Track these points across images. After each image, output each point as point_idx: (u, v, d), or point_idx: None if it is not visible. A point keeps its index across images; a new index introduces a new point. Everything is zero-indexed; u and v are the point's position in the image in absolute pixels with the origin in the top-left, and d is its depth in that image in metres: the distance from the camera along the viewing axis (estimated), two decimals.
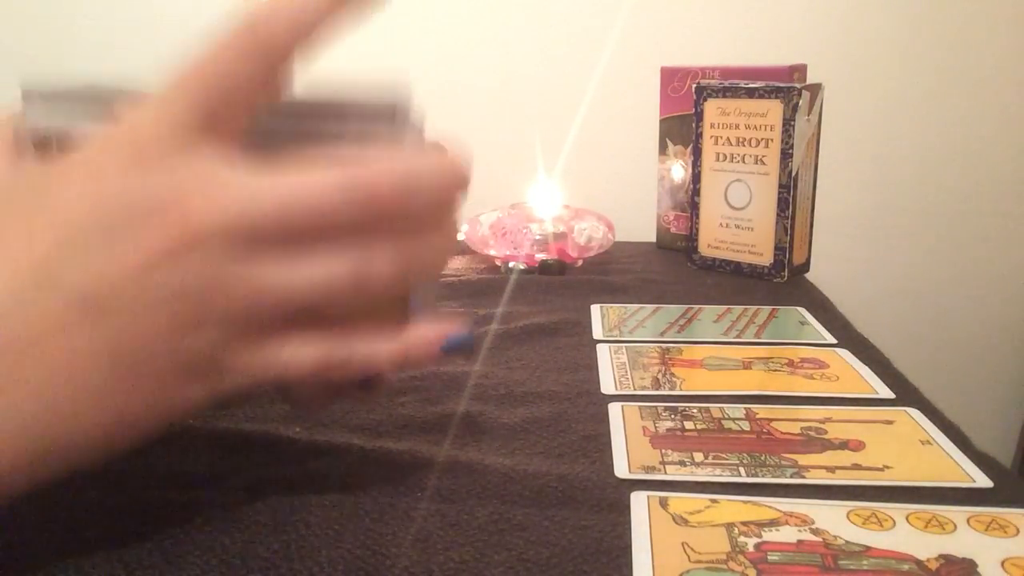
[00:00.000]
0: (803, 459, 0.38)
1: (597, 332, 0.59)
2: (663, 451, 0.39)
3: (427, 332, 0.30)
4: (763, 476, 0.37)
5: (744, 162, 0.72)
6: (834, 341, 0.56)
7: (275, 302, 0.27)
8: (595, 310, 0.64)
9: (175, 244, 0.25)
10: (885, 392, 0.47)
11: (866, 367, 0.50)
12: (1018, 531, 0.32)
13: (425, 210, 0.28)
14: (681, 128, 0.82)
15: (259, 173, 0.26)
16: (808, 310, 0.63)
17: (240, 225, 0.25)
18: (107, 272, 0.25)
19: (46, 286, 0.25)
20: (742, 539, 0.31)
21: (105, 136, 0.26)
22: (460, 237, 0.30)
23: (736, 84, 0.72)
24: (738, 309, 0.63)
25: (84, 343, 0.25)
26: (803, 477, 0.37)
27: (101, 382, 0.26)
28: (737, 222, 0.73)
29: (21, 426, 0.25)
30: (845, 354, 0.53)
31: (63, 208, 0.25)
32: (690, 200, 0.77)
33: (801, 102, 0.68)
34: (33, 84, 0.30)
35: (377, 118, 0.29)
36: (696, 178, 0.76)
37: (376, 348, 0.29)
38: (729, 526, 0.32)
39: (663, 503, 0.34)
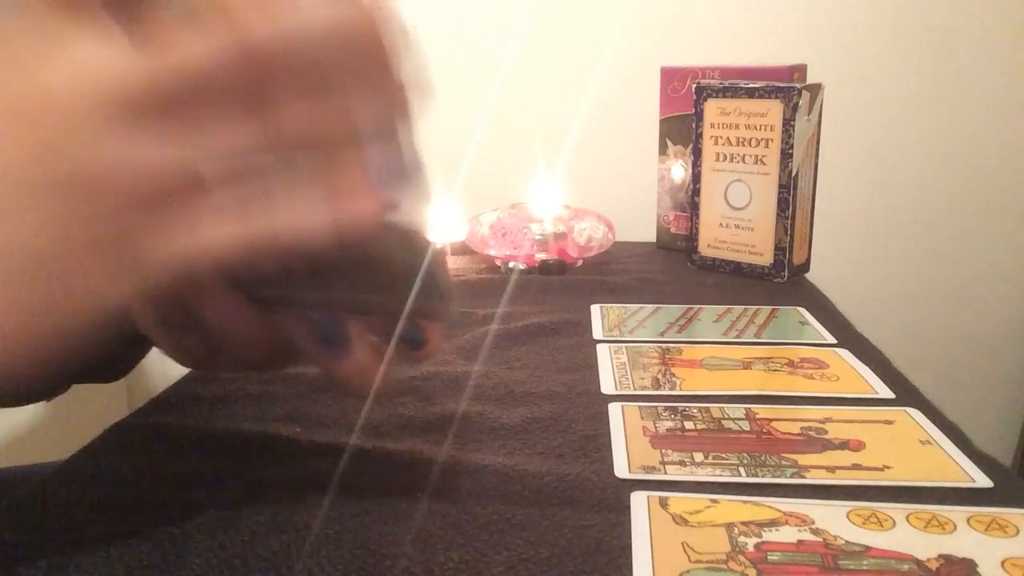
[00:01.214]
0: (803, 459, 0.38)
1: (597, 332, 0.59)
2: (663, 451, 0.39)
3: (364, 202, 0.26)
4: (763, 476, 0.37)
5: (744, 162, 0.72)
6: (834, 341, 0.56)
7: (173, 177, 0.24)
8: (595, 310, 0.64)
9: (49, 132, 0.23)
10: (885, 392, 0.47)
11: (866, 367, 0.50)
12: (1018, 531, 0.32)
13: (323, 55, 0.24)
14: (681, 128, 0.82)
15: (134, 49, 0.24)
16: (808, 310, 0.63)
17: (113, 101, 0.23)
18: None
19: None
20: (742, 539, 0.31)
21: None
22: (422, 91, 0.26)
23: (736, 84, 0.72)
24: (738, 309, 0.63)
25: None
26: (803, 477, 0.37)
27: (12, 287, 0.24)
28: (737, 222, 0.73)
29: None
30: (845, 354, 0.53)
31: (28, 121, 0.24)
32: (690, 200, 0.77)
33: (801, 102, 0.68)
34: None
35: None
36: (696, 178, 0.76)
37: (305, 213, 0.25)
38: (729, 526, 0.32)
39: (663, 503, 0.34)
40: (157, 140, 0.24)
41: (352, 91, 0.25)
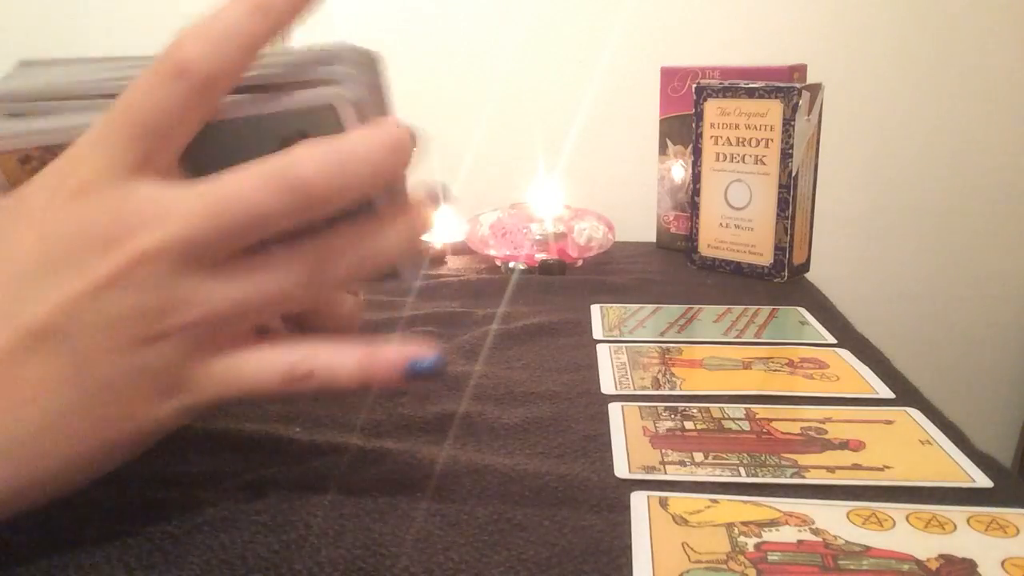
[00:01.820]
0: (803, 459, 0.38)
1: (597, 332, 0.59)
2: (663, 451, 0.39)
3: (391, 355, 0.29)
4: (763, 476, 0.37)
5: (744, 162, 0.72)
6: (834, 341, 0.56)
7: (229, 314, 0.27)
8: (595, 310, 0.64)
9: (120, 268, 0.26)
10: (885, 392, 0.47)
11: (866, 367, 0.50)
12: (1018, 531, 0.32)
13: (365, 192, 0.28)
14: (681, 128, 0.82)
15: (191, 187, 0.27)
16: (808, 310, 0.63)
17: (181, 239, 0.26)
18: (56, 301, 0.26)
19: None
20: (742, 539, 0.31)
21: (44, 176, 0.27)
22: (434, 209, 0.31)
23: (736, 84, 0.72)
24: (738, 309, 0.63)
25: (42, 371, 0.26)
26: (803, 477, 0.37)
27: (65, 407, 0.26)
28: (737, 222, 0.73)
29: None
30: (845, 354, 0.53)
31: (11, 251, 0.26)
32: (690, 200, 0.77)
33: (801, 102, 0.68)
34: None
35: (318, 120, 0.28)
36: (696, 178, 0.76)
37: (339, 364, 0.29)
38: (729, 526, 0.32)
39: (663, 503, 0.34)
40: (221, 277, 0.27)
41: (386, 210, 0.29)
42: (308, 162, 0.26)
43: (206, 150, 0.28)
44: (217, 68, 0.26)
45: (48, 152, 0.30)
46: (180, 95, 0.26)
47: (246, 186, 0.26)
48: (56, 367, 0.26)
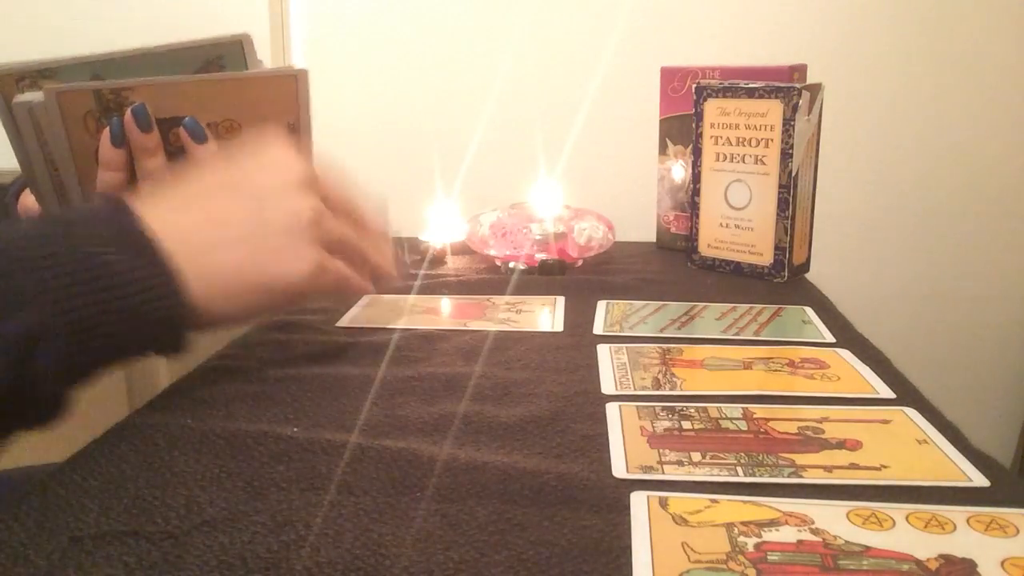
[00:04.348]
0: (800, 459, 0.38)
1: (599, 327, 0.59)
2: (661, 451, 0.39)
3: (385, 265, 0.52)
4: (760, 476, 0.37)
5: (744, 162, 0.72)
6: (834, 341, 0.56)
7: (331, 231, 0.47)
8: (600, 305, 0.64)
9: (301, 204, 0.46)
10: (885, 392, 0.47)
11: (866, 367, 0.50)
12: (1018, 531, 0.32)
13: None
14: (681, 128, 0.82)
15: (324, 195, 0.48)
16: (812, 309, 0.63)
17: (321, 204, 0.47)
18: (270, 206, 0.45)
19: (243, 206, 0.45)
20: (742, 539, 0.31)
21: (267, 162, 0.47)
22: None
23: (736, 84, 0.72)
24: (742, 307, 0.63)
25: (241, 207, 0.45)
26: (800, 477, 0.37)
27: (248, 231, 0.44)
28: (737, 222, 0.73)
29: (227, 274, 0.43)
30: (845, 354, 0.53)
31: (255, 185, 0.46)
32: (690, 200, 0.77)
33: (801, 102, 0.68)
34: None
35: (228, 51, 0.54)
36: (696, 178, 0.76)
37: (364, 278, 0.51)
38: (729, 526, 0.32)
39: (663, 503, 0.34)
40: (332, 218, 0.48)
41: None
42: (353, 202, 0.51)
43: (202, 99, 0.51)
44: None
45: (113, 92, 0.50)
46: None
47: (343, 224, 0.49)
48: (251, 208, 0.44)
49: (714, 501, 0.34)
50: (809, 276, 0.74)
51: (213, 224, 0.44)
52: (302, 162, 0.47)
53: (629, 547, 0.31)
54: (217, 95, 0.52)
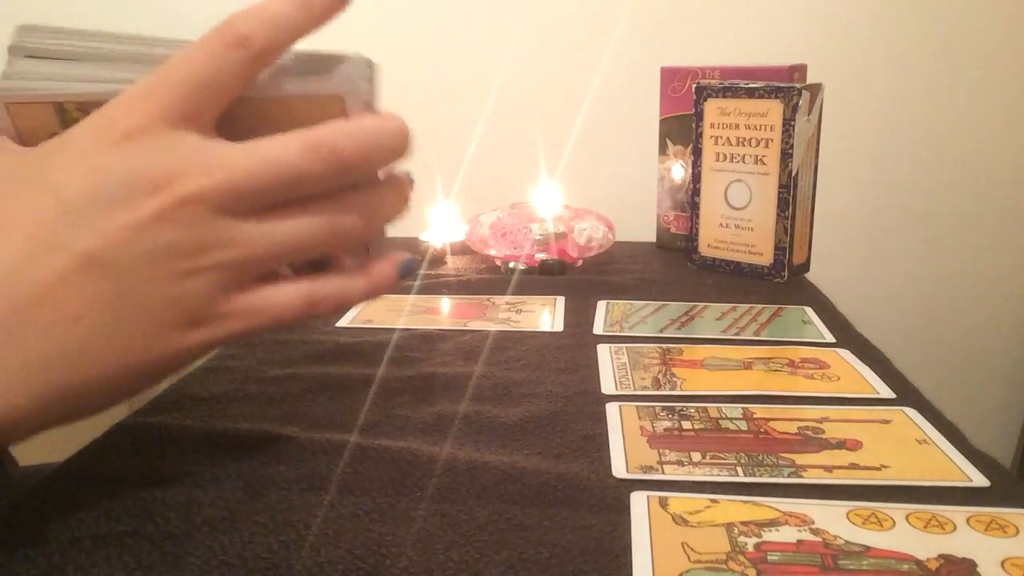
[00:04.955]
0: (800, 459, 0.38)
1: (599, 327, 0.59)
2: (661, 451, 0.39)
3: (385, 265, 0.36)
4: (760, 476, 0.37)
5: (744, 162, 0.72)
6: (834, 341, 0.56)
7: (261, 254, 0.31)
8: (600, 305, 0.64)
9: (166, 208, 0.29)
10: (886, 392, 0.47)
11: (866, 367, 0.50)
12: (1018, 531, 0.32)
13: (379, 166, 0.33)
14: (681, 128, 0.82)
15: (236, 145, 0.30)
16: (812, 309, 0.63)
17: (223, 188, 0.29)
18: (106, 232, 0.28)
19: (52, 248, 0.28)
20: (742, 539, 0.31)
21: (93, 119, 0.30)
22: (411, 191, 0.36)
23: (736, 84, 0.72)
24: (743, 307, 0.63)
25: (89, 294, 0.29)
26: (800, 477, 0.37)
27: (106, 328, 0.29)
28: (737, 222, 0.73)
29: (34, 372, 0.28)
30: (846, 354, 0.53)
31: (63, 184, 0.29)
32: (690, 200, 0.77)
33: (801, 102, 0.68)
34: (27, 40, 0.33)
35: (326, 107, 0.33)
36: (696, 178, 0.76)
37: (349, 285, 0.35)
38: (729, 526, 0.32)
39: (663, 503, 0.34)
40: (255, 222, 0.30)
41: (384, 185, 0.34)
42: (343, 136, 0.31)
43: (231, 119, 0.32)
44: (268, 45, 0.30)
45: (81, 108, 0.33)
46: (237, 62, 0.30)
47: (289, 149, 0.30)
48: (102, 291, 0.29)
49: (714, 501, 0.34)
50: (809, 276, 0.74)
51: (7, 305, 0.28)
52: (222, 160, 0.29)
53: (629, 547, 0.31)
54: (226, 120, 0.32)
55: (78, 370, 0.29)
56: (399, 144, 0.32)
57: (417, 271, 0.36)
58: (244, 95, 0.32)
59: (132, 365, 0.30)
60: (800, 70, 0.77)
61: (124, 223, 0.29)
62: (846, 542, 0.31)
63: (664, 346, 0.55)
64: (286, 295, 0.33)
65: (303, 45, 0.32)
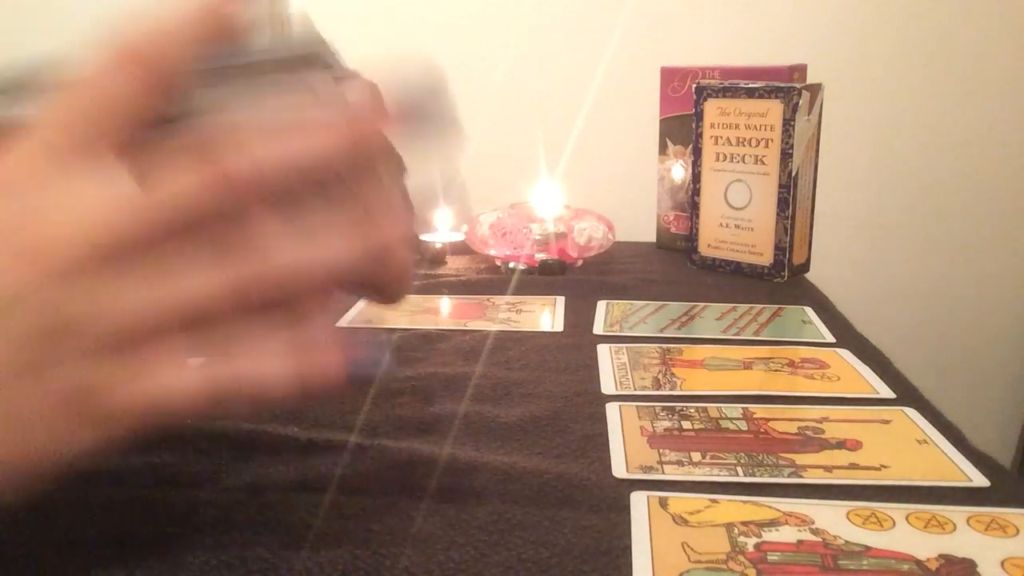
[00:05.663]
0: (800, 459, 0.38)
1: (599, 327, 0.59)
2: (661, 451, 0.39)
3: (328, 357, 0.26)
4: (760, 476, 0.37)
5: (744, 162, 0.72)
6: (834, 341, 0.56)
7: (146, 322, 0.24)
8: (600, 305, 0.64)
9: (24, 278, 0.23)
10: (886, 392, 0.47)
11: (866, 367, 0.50)
12: (1018, 531, 0.32)
13: (317, 177, 0.25)
14: (681, 128, 0.82)
15: (121, 182, 0.24)
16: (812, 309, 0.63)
17: (108, 245, 0.24)
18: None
19: None
20: (742, 539, 0.31)
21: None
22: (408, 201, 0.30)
23: (736, 84, 0.72)
24: (743, 307, 0.63)
25: None
26: (800, 477, 0.37)
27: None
28: (737, 222, 0.73)
29: None
30: (846, 354, 0.53)
31: None
32: (690, 200, 0.77)
33: (801, 102, 0.68)
34: None
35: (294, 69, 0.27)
36: (696, 178, 0.76)
37: (272, 375, 0.26)
38: (729, 526, 0.32)
39: (663, 503, 0.34)
40: (135, 284, 0.24)
41: (353, 202, 0.26)
42: (232, 153, 0.24)
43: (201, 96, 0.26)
44: (168, 54, 0.25)
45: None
46: (129, 82, 0.24)
47: (172, 183, 0.24)
48: None
49: (714, 501, 0.34)
50: (809, 276, 0.74)
51: None
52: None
53: (629, 547, 0.31)
54: None
55: None
56: (341, 143, 0.26)
57: (384, 370, 0.27)
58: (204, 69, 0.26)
59: (19, 468, 0.25)
60: (800, 70, 0.77)
61: None
62: (846, 542, 0.31)
63: (664, 346, 0.55)
64: (181, 379, 0.25)
65: None
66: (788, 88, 0.68)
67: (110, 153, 0.24)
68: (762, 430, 0.42)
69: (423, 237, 0.82)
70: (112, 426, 0.25)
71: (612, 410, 0.44)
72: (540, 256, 0.75)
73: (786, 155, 0.69)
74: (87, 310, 0.23)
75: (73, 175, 0.24)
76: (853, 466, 0.38)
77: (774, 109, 0.69)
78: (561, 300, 0.66)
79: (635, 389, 0.47)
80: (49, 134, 0.24)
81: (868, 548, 0.31)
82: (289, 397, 0.26)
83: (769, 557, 0.30)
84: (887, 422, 0.43)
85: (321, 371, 0.26)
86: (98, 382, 0.24)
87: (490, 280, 0.72)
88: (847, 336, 0.57)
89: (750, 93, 0.70)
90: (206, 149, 0.24)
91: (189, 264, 0.25)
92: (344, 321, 0.61)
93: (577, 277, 0.73)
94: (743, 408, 0.44)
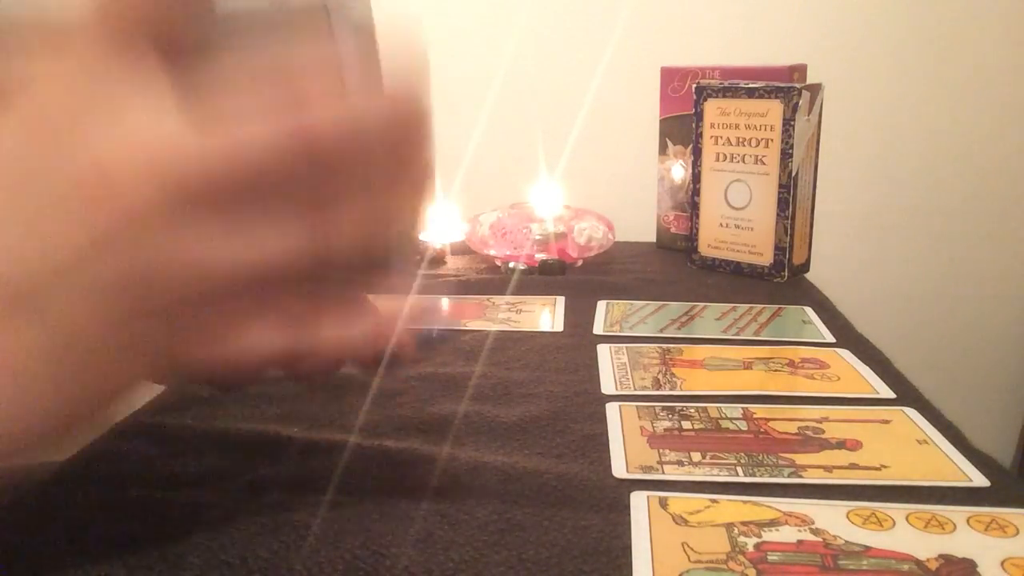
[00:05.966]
0: (800, 459, 0.38)
1: (599, 327, 0.59)
2: (661, 451, 0.39)
3: (398, 322, 0.27)
4: (760, 476, 0.37)
5: (744, 162, 0.72)
6: (834, 341, 0.56)
7: (225, 279, 0.23)
8: (600, 305, 0.64)
9: (107, 229, 0.22)
10: (886, 392, 0.47)
11: (867, 367, 0.50)
12: (1018, 531, 0.32)
13: (378, 155, 0.25)
14: (681, 128, 0.82)
15: (193, 126, 0.22)
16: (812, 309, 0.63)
17: (176, 193, 0.22)
18: (37, 268, 0.22)
19: None
20: (742, 539, 0.31)
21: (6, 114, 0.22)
22: (436, 183, 0.28)
23: (736, 84, 0.72)
24: (742, 307, 0.63)
25: (19, 340, 0.22)
26: (800, 477, 0.37)
27: (43, 378, 0.23)
28: (737, 222, 0.73)
29: None
30: (846, 354, 0.53)
31: None
32: (690, 200, 0.77)
33: (801, 102, 0.68)
34: None
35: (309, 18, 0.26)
36: (696, 178, 0.76)
37: (348, 336, 0.26)
38: (729, 526, 0.32)
39: (663, 503, 0.34)
40: (212, 234, 0.23)
41: (395, 178, 0.25)
42: (329, 124, 0.23)
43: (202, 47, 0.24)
44: None
45: None
46: None
47: (260, 140, 0.22)
48: (30, 338, 0.22)
49: (714, 501, 0.34)
50: (809, 276, 0.74)
51: None
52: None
53: (629, 547, 0.31)
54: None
55: (13, 420, 0.23)
56: (405, 125, 0.25)
57: (440, 337, 0.26)
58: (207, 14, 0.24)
59: (78, 413, 0.24)
60: (800, 70, 0.77)
61: (58, 256, 0.22)
62: (846, 542, 0.31)
63: (664, 346, 0.55)
64: (260, 342, 0.25)
65: None
66: (788, 88, 0.68)
67: (156, 65, 0.23)
68: (762, 430, 0.42)
69: (423, 237, 0.82)
70: (187, 377, 0.25)
71: (612, 410, 0.44)
72: (540, 256, 0.75)
73: (786, 155, 0.69)
74: (169, 258, 0.22)
75: (126, 92, 0.22)
76: (853, 466, 0.38)
77: (774, 109, 0.69)
78: (561, 300, 0.66)
79: (635, 389, 0.47)
80: (82, 45, 0.22)
81: (868, 548, 0.31)
82: (363, 361, 0.27)
83: (769, 557, 0.30)
84: (887, 422, 0.43)
85: (394, 335, 0.27)
86: (178, 336, 0.24)
87: (490, 280, 0.72)
88: (847, 336, 0.57)
89: (750, 93, 0.70)
90: (303, 113, 0.22)
91: (272, 221, 0.24)
92: None
93: (577, 277, 0.73)
94: (743, 408, 0.44)
